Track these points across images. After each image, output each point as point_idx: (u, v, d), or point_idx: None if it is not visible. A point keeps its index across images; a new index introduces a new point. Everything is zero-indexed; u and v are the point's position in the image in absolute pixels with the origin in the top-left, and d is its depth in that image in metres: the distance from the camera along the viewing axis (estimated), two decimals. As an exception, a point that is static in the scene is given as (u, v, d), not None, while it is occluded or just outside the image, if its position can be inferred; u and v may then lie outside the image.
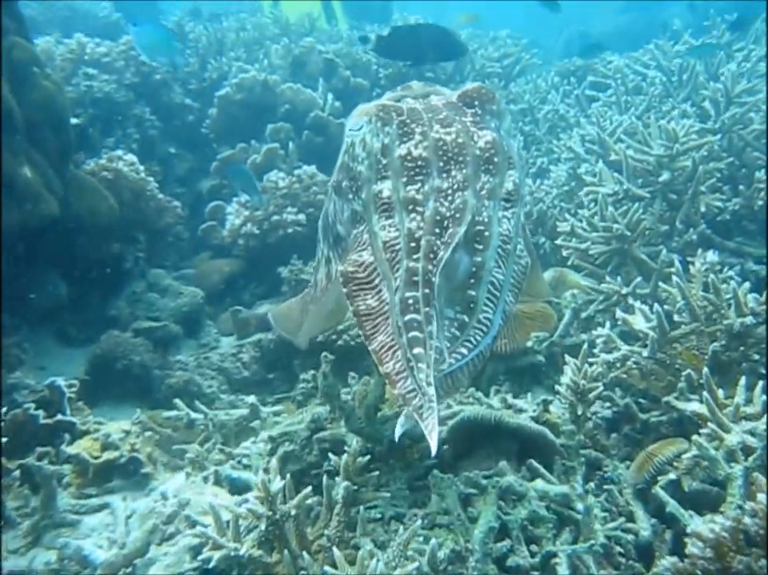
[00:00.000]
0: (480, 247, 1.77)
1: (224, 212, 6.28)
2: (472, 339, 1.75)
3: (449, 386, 1.77)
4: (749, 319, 3.35)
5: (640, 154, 4.55)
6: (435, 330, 1.70)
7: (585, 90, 7.26)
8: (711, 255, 3.60)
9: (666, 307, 4.06)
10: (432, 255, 1.73)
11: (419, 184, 1.81)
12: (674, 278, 3.61)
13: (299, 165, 6.36)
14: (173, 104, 7.58)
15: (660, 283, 3.91)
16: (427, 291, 1.70)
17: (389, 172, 1.85)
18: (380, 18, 12.89)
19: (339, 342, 4.77)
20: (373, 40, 6.07)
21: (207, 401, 4.85)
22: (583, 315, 4.48)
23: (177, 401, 4.10)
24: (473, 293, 1.75)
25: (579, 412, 3.52)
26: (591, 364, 3.70)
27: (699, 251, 4.22)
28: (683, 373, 3.45)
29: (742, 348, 3.44)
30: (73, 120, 5.29)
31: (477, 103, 1.93)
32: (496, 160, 1.84)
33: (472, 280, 1.76)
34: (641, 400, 3.74)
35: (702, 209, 4.32)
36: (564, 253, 4.61)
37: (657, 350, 3.55)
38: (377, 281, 1.83)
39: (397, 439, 1.78)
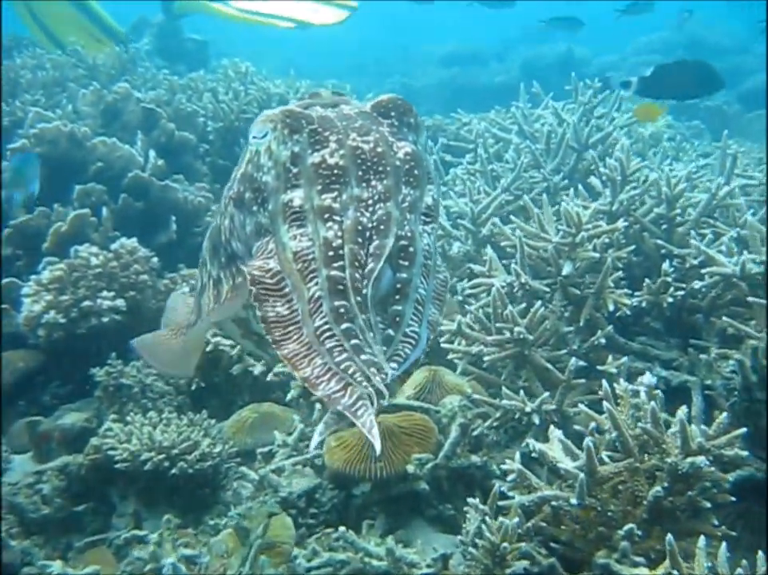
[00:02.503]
0: (406, 263, 1.72)
1: (19, 291, 5.23)
2: (401, 352, 1.69)
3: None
4: (700, 460, 2.83)
5: (536, 240, 4.03)
6: (372, 340, 1.65)
7: (440, 154, 6.81)
8: (649, 378, 3.07)
9: (576, 427, 3.56)
10: (357, 264, 1.68)
11: (336, 193, 1.74)
12: (606, 404, 3.05)
13: (116, 236, 5.46)
14: (-47, 155, 6.46)
15: (581, 405, 3.34)
16: (359, 299, 1.66)
17: (300, 180, 1.78)
18: (196, 62, 12.15)
19: (174, 470, 3.91)
20: (635, 82, 6.10)
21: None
22: (474, 432, 3.87)
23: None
24: (399, 308, 1.70)
25: (499, 581, 2.88)
26: (503, 511, 3.12)
27: (610, 358, 3.75)
28: (623, 527, 2.88)
29: (689, 493, 2.91)
30: None
31: (393, 114, 1.86)
32: (416, 172, 1.79)
33: (397, 296, 1.71)
34: (554, 544, 3.15)
35: (611, 307, 3.83)
36: (450, 356, 4.00)
37: (587, 495, 2.97)
38: (287, 290, 1.76)
39: (312, 448, 1.91)
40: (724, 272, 3.72)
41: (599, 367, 3.74)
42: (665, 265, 4.01)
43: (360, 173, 1.75)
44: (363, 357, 1.62)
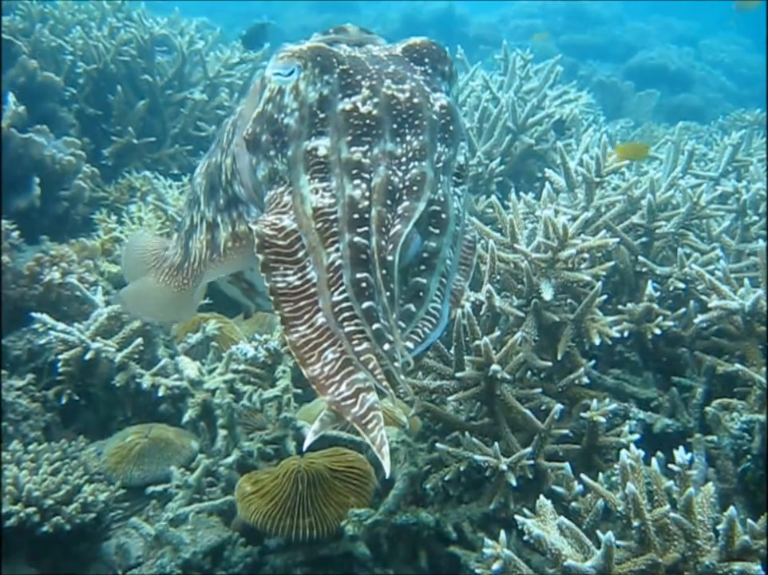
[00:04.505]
0: (437, 231, 1.60)
1: None
2: (420, 331, 1.58)
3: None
4: (756, 570, 2.29)
5: (507, 251, 3.39)
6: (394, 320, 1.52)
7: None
8: (683, 454, 2.50)
9: (558, 488, 3.01)
10: (384, 230, 1.54)
11: (366, 146, 1.60)
12: (630, 486, 2.47)
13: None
14: None
15: (584, 476, 2.75)
16: (384, 272, 1.53)
17: (328, 128, 1.64)
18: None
19: (46, 527, 3.09)
20: None
21: None
22: (428, 485, 3.23)
23: None
24: (424, 281, 1.59)
25: None
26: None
27: (594, 403, 3.17)
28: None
29: (729, 604, 2.38)
30: None
31: (426, 60, 1.74)
32: (452, 128, 1.67)
33: (422, 266, 1.60)
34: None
35: (596, 340, 3.25)
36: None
37: (601, 600, 2.39)
38: (300, 254, 1.62)
39: (306, 448, 1.57)
40: (731, 307, 3.20)
41: (582, 415, 3.15)
42: (649, 289, 3.47)
43: (395, 126, 1.61)
44: (386, 347, 1.49)
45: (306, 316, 1.58)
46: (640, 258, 3.65)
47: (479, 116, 5.48)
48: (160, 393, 3.90)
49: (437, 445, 3.16)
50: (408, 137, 1.61)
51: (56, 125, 5.93)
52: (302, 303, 1.58)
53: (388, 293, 1.53)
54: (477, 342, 3.06)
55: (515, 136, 5.44)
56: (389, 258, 1.53)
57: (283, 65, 1.72)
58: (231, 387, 3.76)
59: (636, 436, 3.15)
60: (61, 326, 3.89)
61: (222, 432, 3.66)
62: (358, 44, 1.83)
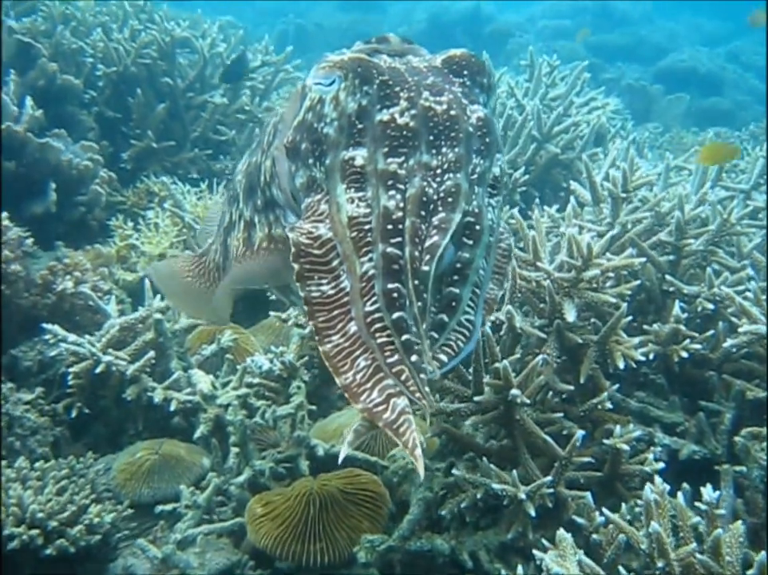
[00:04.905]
0: (470, 242, 1.61)
1: None
2: (453, 344, 1.60)
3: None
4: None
5: (529, 269, 3.29)
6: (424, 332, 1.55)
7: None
8: (710, 492, 2.38)
9: (578, 518, 2.90)
10: (417, 240, 1.56)
11: (402, 158, 1.62)
12: (654, 525, 2.35)
13: (-22, 207, 4.40)
14: None
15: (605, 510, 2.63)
16: (417, 281, 1.54)
17: (365, 138, 1.67)
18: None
19: (49, 550, 3.01)
20: None
21: None
22: (443, 511, 3.12)
23: None
24: (456, 291, 1.59)
25: None
26: None
27: (618, 428, 3.05)
28: None
29: (758, 651, 2.26)
30: None
31: (465, 72, 1.75)
32: (488, 140, 1.68)
33: (455, 277, 1.60)
34: None
35: (620, 364, 3.13)
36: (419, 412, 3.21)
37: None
38: (335, 263, 1.65)
39: (341, 461, 1.64)
40: (762, 332, 3.08)
41: (605, 442, 3.04)
42: (676, 309, 3.34)
43: (431, 138, 1.63)
44: (413, 358, 1.50)
45: (339, 325, 1.59)
46: (667, 277, 3.52)
47: (503, 124, 5.37)
48: (172, 407, 3.82)
49: (454, 471, 3.05)
50: (444, 149, 1.63)
51: (75, 129, 5.88)
52: (335, 313, 1.60)
53: (420, 303, 1.54)
54: (497, 364, 2.96)
55: (540, 144, 5.32)
56: (425, 268, 1.55)
57: (324, 75, 1.76)
58: (244, 403, 3.67)
59: (661, 464, 3.04)
60: (72, 337, 3.81)
61: (234, 450, 3.58)
62: (399, 54, 1.84)
